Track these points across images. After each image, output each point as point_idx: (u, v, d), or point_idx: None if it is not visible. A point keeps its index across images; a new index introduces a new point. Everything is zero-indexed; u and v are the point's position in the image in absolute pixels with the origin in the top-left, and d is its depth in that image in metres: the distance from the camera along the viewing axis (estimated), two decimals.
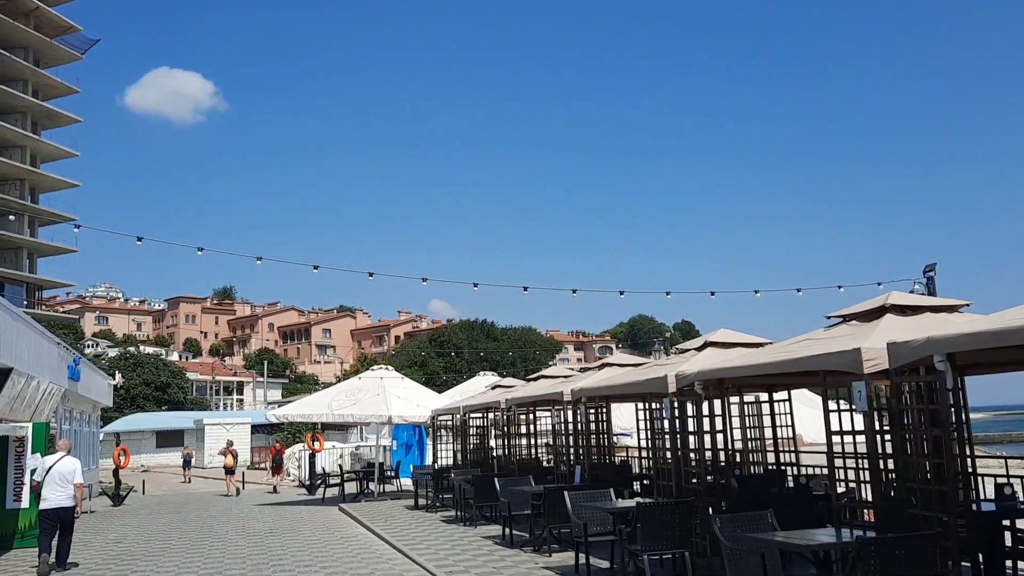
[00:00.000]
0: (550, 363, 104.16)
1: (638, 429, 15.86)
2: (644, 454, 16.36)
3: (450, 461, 21.89)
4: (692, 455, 9.27)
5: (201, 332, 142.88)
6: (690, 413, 9.40)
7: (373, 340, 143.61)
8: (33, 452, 14.95)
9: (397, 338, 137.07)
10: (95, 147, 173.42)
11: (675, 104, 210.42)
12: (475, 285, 21.38)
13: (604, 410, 12.78)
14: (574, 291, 22.35)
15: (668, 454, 9.85)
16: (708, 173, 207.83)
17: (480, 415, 18.75)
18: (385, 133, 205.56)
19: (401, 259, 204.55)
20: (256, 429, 56.18)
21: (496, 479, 12.99)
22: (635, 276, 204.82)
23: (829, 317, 8.77)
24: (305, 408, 21.41)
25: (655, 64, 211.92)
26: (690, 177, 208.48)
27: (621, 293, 24.06)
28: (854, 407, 6.97)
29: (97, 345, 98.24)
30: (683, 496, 9.40)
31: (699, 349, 10.64)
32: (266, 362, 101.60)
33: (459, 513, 15.69)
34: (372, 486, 22.38)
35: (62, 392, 20.51)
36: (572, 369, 17.20)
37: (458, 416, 18.58)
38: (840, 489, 11.34)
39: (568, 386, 12.23)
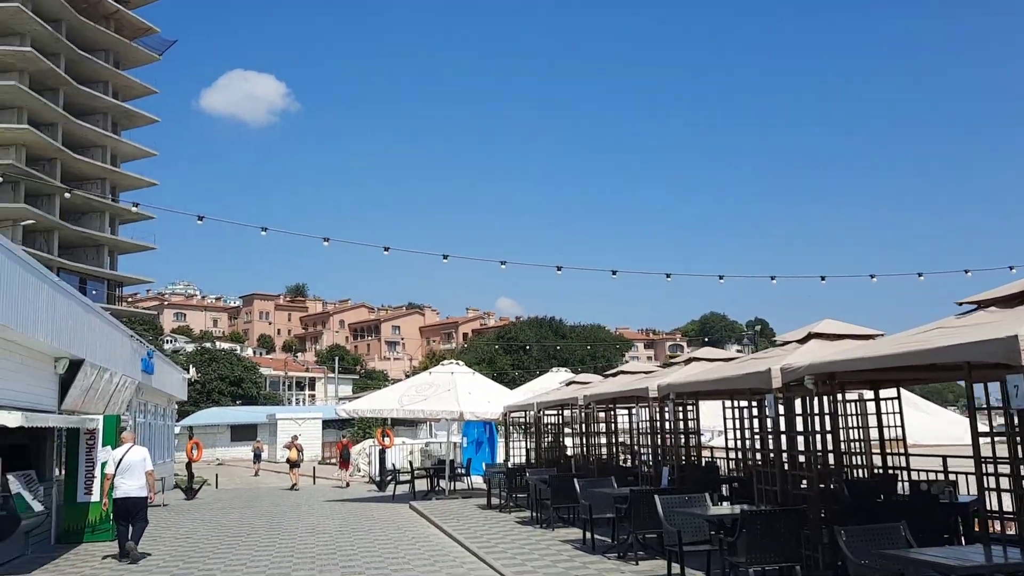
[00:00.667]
0: (620, 361, 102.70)
1: (725, 428, 14.94)
2: (731, 455, 15.40)
3: (522, 459, 21.20)
4: (800, 457, 8.33)
5: (275, 329, 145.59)
6: (797, 411, 8.45)
7: (441, 337, 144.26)
8: (104, 445, 14.75)
9: (465, 335, 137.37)
10: (172, 147, 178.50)
11: (762, 81, 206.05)
12: (558, 268, 20.26)
13: (692, 407, 11.86)
14: (668, 275, 21.11)
15: (770, 456, 8.91)
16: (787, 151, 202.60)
17: (555, 412, 17.99)
18: (453, 129, 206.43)
19: (470, 254, 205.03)
20: (327, 424, 56.54)
21: (576, 480, 12.21)
22: (710, 268, 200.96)
23: (961, 303, 7.72)
24: (375, 403, 20.99)
25: (752, 47, 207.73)
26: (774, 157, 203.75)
27: (720, 278, 21.85)
28: (1015, 405, 5.95)
29: (175, 341, 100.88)
30: (787, 502, 8.47)
31: (802, 341, 9.65)
32: (337, 358, 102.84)
33: (535, 514, 14.97)
34: (443, 484, 21.84)
35: (135, 385, 20.50)
36: (654, 366, 16.32)
37: (532, 413, 17.87)
38: (963, 496, 10.27)
39: (654, 381, 11.37)
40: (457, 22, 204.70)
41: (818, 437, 8.21)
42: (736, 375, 9.26)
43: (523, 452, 20.76)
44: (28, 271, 11.39)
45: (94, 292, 65.08)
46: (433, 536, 14.28)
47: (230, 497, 25.12)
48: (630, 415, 16.77)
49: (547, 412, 17.79)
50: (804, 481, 8.15)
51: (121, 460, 12.15)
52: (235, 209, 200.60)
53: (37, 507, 12.77)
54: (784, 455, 8.58)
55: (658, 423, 11.79)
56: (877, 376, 10.57)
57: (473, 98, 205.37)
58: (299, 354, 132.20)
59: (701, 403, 16.61)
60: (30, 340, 12.08)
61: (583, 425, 14.62)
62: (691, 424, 12.06)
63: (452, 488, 21.48)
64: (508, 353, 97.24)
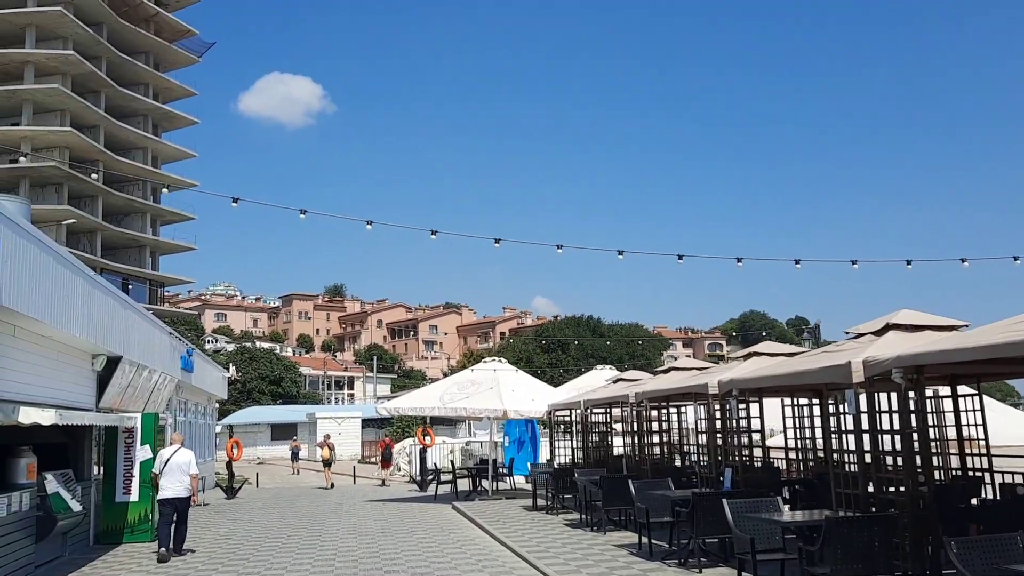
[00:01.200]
0: (658, 359, 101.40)
1: (784, 427, 14.18)
2: (789, 455, 14.63)
3: (567, 459, 20.58)
4: (888, 458, 7.61)
5: (314, 328, 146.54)
6: (882, 407, 7.74)
7: (479, 336, 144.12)
8: (143, 444, 14.44)
9: (502, 335, 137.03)
10: (211, 148, 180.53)
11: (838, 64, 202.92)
12: (620, 253, 19.32)
13: (755, 404, 11.13)
14: (739, 260, 20.09)
15: (849, 457, 8.19)
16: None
17: (603, 410, 17.33)
18: (490, 129, 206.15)
19: (508, 254, 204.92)
20: (366, 423, 56.43)
21: (631, 481, 11.56)
22: (751, 262, 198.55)
23: None
24: (416, 401, 20.50)
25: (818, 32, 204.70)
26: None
27: (797, 263, 20.69)
28: None
29: (216, 341, 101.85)
30: (871, 508, 7.76)
31: (878, 333, 8.92)
32: (375, 358, 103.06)
33: (584, 517, 14.33)
34: (485, 484, 21.31)
35: (175, 383, 20.25)
36: (706, 364, 15.60)
37: (579, 411, 17.24)
38: None
39: (714, 377, 10.68)
40: (492, 20, 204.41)
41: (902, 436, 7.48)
42: (810, 369, 8.55)
43: (568, 451, 20.14)
44: (62, 264, 11.04)
45: (136, 293, 65.76)
46: (479, 539, 13.71)
47: (270, 496, 24.84)
48: (678, 413, 16.08)
49: (595, 410, 17.13)
50: (892, 485, 7.43)
51: (168, 461, 12.51)
52: (273, 210, 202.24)
53: (76, 507, 12.45)
54: (866, 456, 7.86)
55: (717, 421, 11.08)
56: (960, 371, 9.79)
57: (510, 96, 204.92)
58: (338, 354, 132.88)
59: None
60: (65, 336, 11.74)
61: (635, 424, 13.96)
62: (753, 423, 11.32)
63: (495, 488, 20.93)
64: (546, 352, 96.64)
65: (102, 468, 14.38)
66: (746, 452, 10.99)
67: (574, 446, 19.83)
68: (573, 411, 18.94)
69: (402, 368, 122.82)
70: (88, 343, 12.81)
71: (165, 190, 32.48)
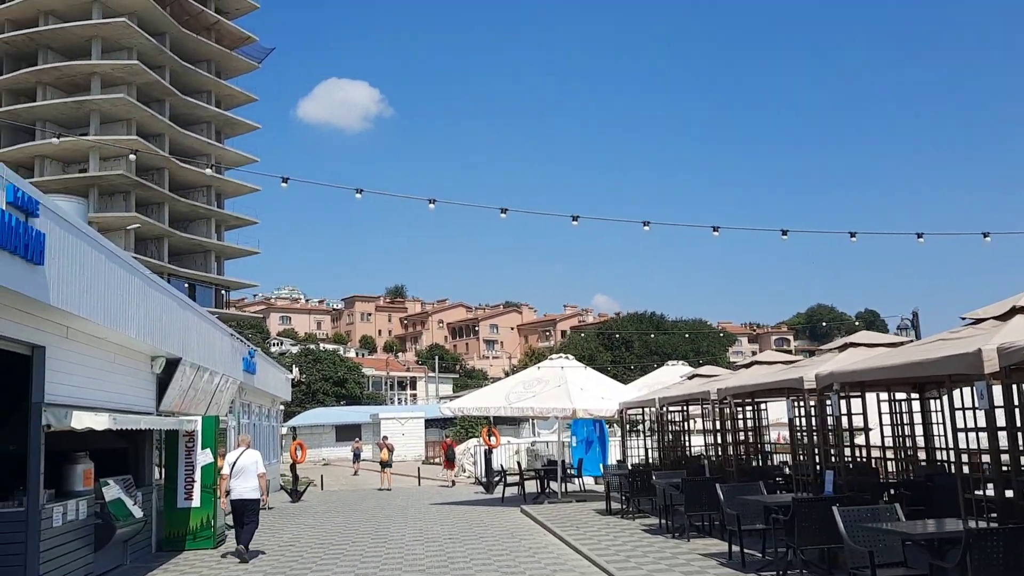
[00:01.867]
0: (724, 356, 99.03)
1: (881, 424, 13.07)
2: (887, 454, 13.50)
3: (638, 459, 19.67)
4: None
5: (375, 330, 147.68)
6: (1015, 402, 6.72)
7: (539, 335, 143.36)
8: (203, 447, 14.05)
9: (563, 332, 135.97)
10: (271, 152, 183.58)
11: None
12: (645, 224, 17.50)
13: (856, 400, 10.08)
14: (784, 232, 18.55)
15: (980, 457, 7.18)
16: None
17: (679, 408, 16.38)
18: (544, 130, 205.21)
19: (567, 254, 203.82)
20: (429, 424, 56.16)
21: (718, 485, 10.64)
22: (823, 255, 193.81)
23: None
24: (481, 401, 19.82)
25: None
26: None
27: (852, 236, 18.25)
28: None
29: (281, 343, 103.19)
30: (1009, 515, 6.74)
31: (1002, 318, 7.84)
32: (436, 358, 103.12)
33: (664, 522, 13.43)
34: (554, 486, 20.55)
35: (237, 385, 19.96)
36: (792, 357, 14.54)
37: (653, 409, 16.33)
38: None
39: (810, 370, 9.69)
40: (547, 23, 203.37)
41: None
42: (928, 359, 7.54)
43: (641, 452, 19.21)
44: (116, 263, 10.62)
45: (203, 298, 66.75)
46: (552, 546, 12.94)
47: (334, 499, 24.47)
48: (757, 411, 15.04)
49: (670, 408, 16.19)
50: None
51: (236, 462, 12.68)
52: (333, 213, 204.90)
53: (137, 513, 12.08)
54: (1004, 455, 6.84)
55: (814, 419, 10.08)
56: None
57: (564, 98, 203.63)
58: (399, 354, 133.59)
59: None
60: (121, 337, 11.35)
61: (717, 422, 13.02)
62: (854, 420, 10.28)
63: (564, 491, 20.14)
64: (608, 350, 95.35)
65: (163, 473, 14.01)
66: (851, 452, 9.96)
67: (647, 446, 18.90)
68: (646, 409, 18.03)
69: (463, 368, 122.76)
70: (145, 344, 12.43)
71: (218, 172, 32.35)
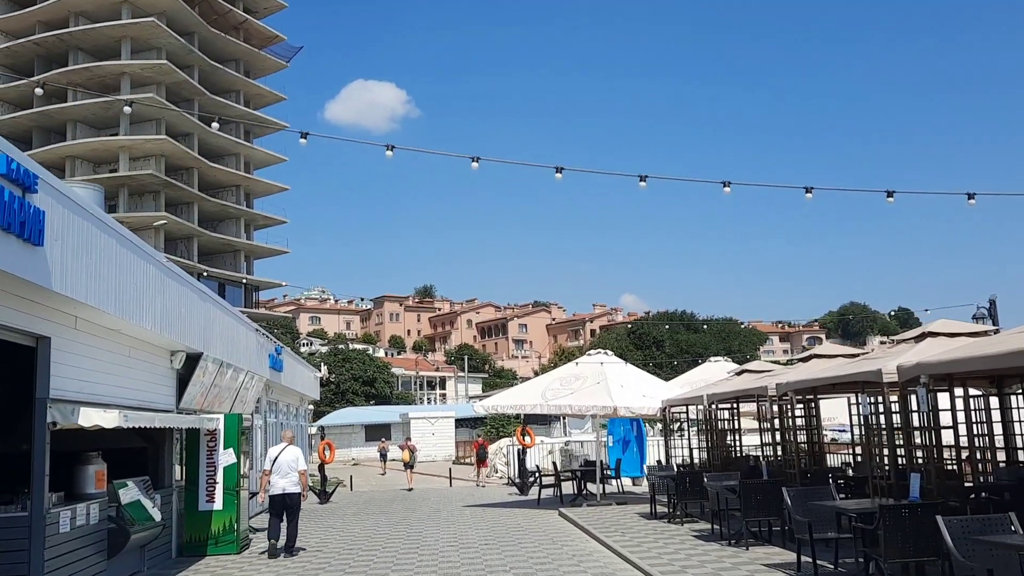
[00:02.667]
0: (755, 354, 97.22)
1: (955, 422, 11.99)
2: (960, 455, 12.40)
3: (682, 460, 18.68)
4: None
5: (405, 329, 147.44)
6: None
7: (569, 334, 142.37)
8: (226, 447, 13.32)
9: (593, 332, 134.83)
10: (299, 152, 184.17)
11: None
12: (642, 179, 15.69)
13: (942, 394, 9.08)
14: (808, 190, 16.67)
15: None
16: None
17: (729, 405, 15.38)
18: (573, 130, 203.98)
19: (597, 246, 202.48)
20: (460, 423, 55.44)
21: (785, 489, 9.67)
22: (849, 258, 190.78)
23: None
24: (516, 398, 18.93)
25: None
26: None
27: (890, 195, 16.27)
28: None
29: (311, 343, 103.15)
30: None
31: None
32: (466, 357, 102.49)
33: (717, 528, 12.47)
34: (592, 487, 19.64)
35: (263, 383, 19.27)
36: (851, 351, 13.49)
37: (701, 407, 15.34)
38: None
39: (890, 362, 8.68)
40: (573, 22, 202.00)
41: None
42: None
43: (686, 452, 18.21)
44: (127, 248, 9.89)
45: (232, 297, 66.63)
46: (596, 553, 12.02)
47: (364, 501, 23.73)
48: (817, 409, 14.01)
49: (720, 406, 15.18)
50: None
51: (276, 458, 12.80)
52: (362, 213, 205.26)
53: (157, 516, 11.37)
54: None
55: (895, 415, 9.06)
56: None
57: (586, 97, 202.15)
58: (428, 354, 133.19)
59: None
60: (136, 330, 10.63)
61: (776, 420, 12.02)
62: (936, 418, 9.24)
63: (602, 493, 19.22)
64: (639, 349, 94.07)
65: (184, 474, 13.30)
66: (938, 454, 8.94)
67: (692, 446, 17.90)
68: (690, 407, 17.05)
69: (492, 368, 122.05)
70: (163, 338, 11.71)
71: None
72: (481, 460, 30.78)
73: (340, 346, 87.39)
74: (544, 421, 51.18)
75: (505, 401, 19.17)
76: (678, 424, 18.59)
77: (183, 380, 13.34)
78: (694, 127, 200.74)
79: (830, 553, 9.33)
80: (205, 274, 63.21)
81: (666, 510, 15.08)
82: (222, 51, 72.97)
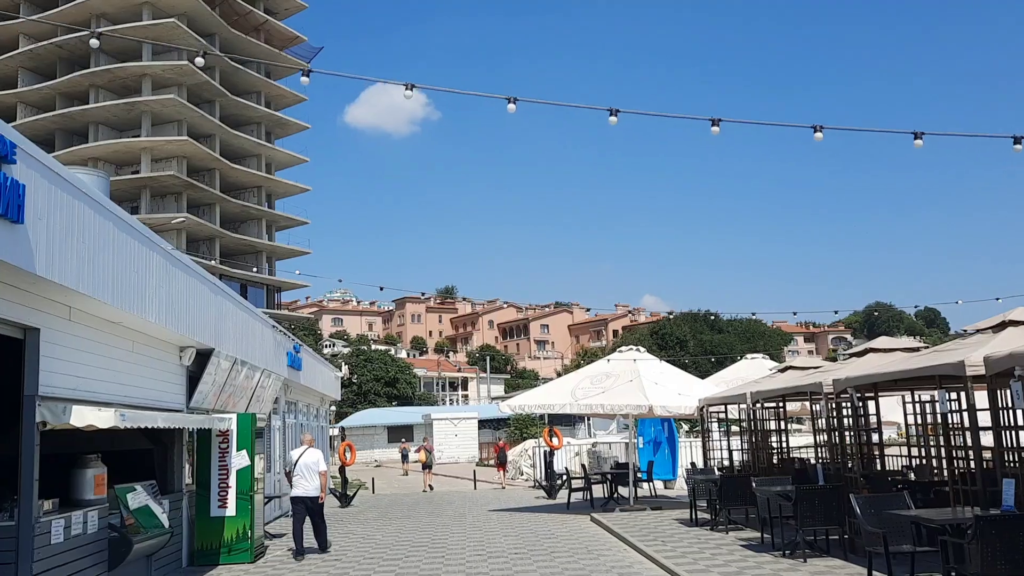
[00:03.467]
0: (780, 355, 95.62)
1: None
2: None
3: (721, 462, 17.68)
4: None
5: (426, 331, 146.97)
6: None
7: (591, 335, 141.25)
8: (239, 449, 12.54)
9: (615, 332, 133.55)
10: (320, 154, 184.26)
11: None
12: (612, 112, 15.21)
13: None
14: (817, 128, 16.43)
15: None
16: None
17: (774, 404, 14.38)
18: (595, 131, 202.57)
19: (617, 250, 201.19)
20: (483, 424, 54.59)
21: (854, 497, 8.70)
22: (874, 260, 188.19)
23: None
24: (544, 398, 18.01)
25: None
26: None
27: (918, 136, 16.89)
28: None
29: (333, 345, 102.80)
30: None
31: None
32: (488, 358, 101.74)
33: (767, 537, 11.50)
34: (625, 491, 18.72)
35: (281, 382, 18.51)
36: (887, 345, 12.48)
37: (744, 406, 14.36)
38: None
39: (974, 353, 7.69)
40: (592, 22, 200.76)
41: None
42: None
43: (725, 454, 17.21)
44: (126, 231, 9.12)
45: (255, 298, 66.22)
46: (638, 565, 11.09)
47: (386, 504, 22.93)
48: (877, 407, 12.98)
49: (766, 404, 14.19)
50: None
51: (297, 461, 12.87)
52: (385, 215, 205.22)
53: (165, 522, 10.59)
54: None
55: (976, 412, 8.07)
56: None
57: (611, 98, 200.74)
58: (450, 355, 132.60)
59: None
60: (138, 322, 9.86)
61: (832, 420, 11.03)
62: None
63: (634, 496, 18.28)
64: (662, 349, 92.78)
65: (194, 478, 12.54)
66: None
67: (731, 447, 16.90)
68: (730, 406, 16.07)
69: (515, 368, 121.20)
70: (170, 332, 10.94)
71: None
72: (502, 463, 29.95)
73: (362, 347, 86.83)
74: (568, 422, 50.22)
75: (532, 400, 18.27)
76: (716, 424, 17.58)
77: (193, 378, 12.59)
78: (718, 110, 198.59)
79: (904, 567, 8.36)
80: (222, 276, 62.92)
81: (708, 516, 14.12)
82: (244, 53, 72.64)
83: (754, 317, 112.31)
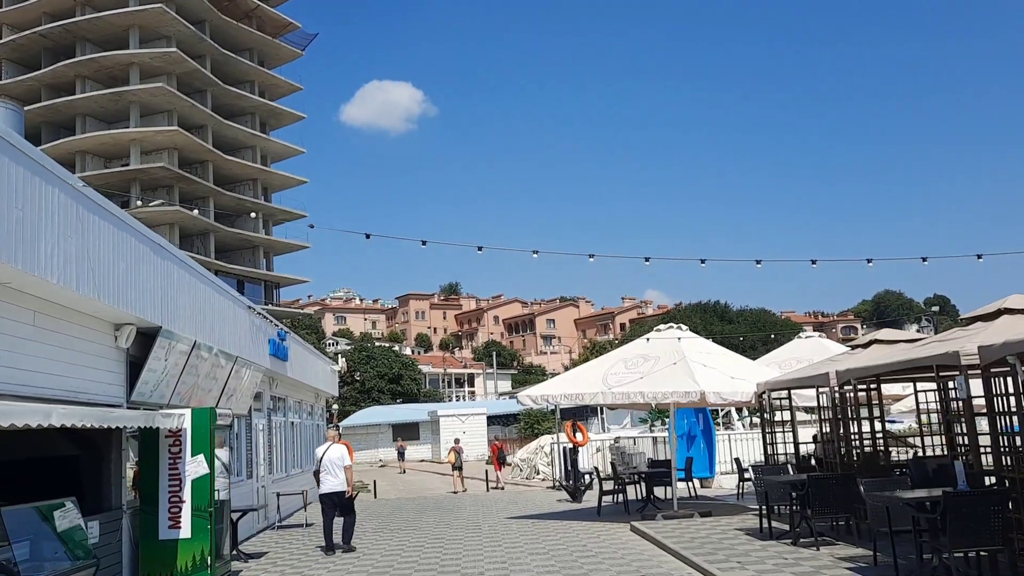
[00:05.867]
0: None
1: None
2: None
3: (785, 457, 14.95)
4: None
5: (431, 328, 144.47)
6: None
7: (597, 329, 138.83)
8: (195, 453, 9.87)
9: (622, 326, 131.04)
10: (315, 153, 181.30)
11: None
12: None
13: None
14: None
15: None
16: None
17: (865, 386, 11.60)
18: (595, 123, 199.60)
19: (620, 246, 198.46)
20: (492, 420, 51.91)
21: None
22: (884, 246, 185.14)
23: None
24: (570, 385, 15.28)
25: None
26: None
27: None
28: None
29: (336, 343, 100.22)
30: None
31: None
32: (494, 353, 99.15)
33: (888, 559, 8.78)
34: (660, 492, 16.11)
35: (262, 373, 15.84)
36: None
37: (823, 390, 11.67)
38: None
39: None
40: (592, 18, 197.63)
41: None
42: None
43: (788, 447, 14.47)
44: (25, 166, 6.44)
45: (252, 294, 63.57)
46: None
47: (389, 511, 20.26)
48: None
49: (859, 386, 11.41)
50: None
51: (322, 457, 12.93)
52: (384, 213, 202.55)
53: (79, 553, 7.94)
54: None
55: None
56: None
57: (609, 92, 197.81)
58: (456, 351, 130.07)
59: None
60: (46, 288, 7.24)
61: (958, 407, 8.31)
62: None
63: (689, 496, 15.66)
64: None
65: (137, 491, 9.88)
66: None
67: (797, 440, 14.16)
68: (796, 391, 13.37)
69: (521, 364, 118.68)
70: (96, 304, 8.29)
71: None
72: (500, 462, 27.39)
73: (365, 344, 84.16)
74: (579, 415, 47.49)
75: (555, 389, 15.53)
76: (778, 412, 14.79)
77: (137, 365, 9.94)
78: (716, 116, 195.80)
79: None
80: (217, 271, 60.33)
81: (783, 526, 11.42)
82: (235, 40, 70.03)
83: (763, 308, 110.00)
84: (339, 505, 12.97)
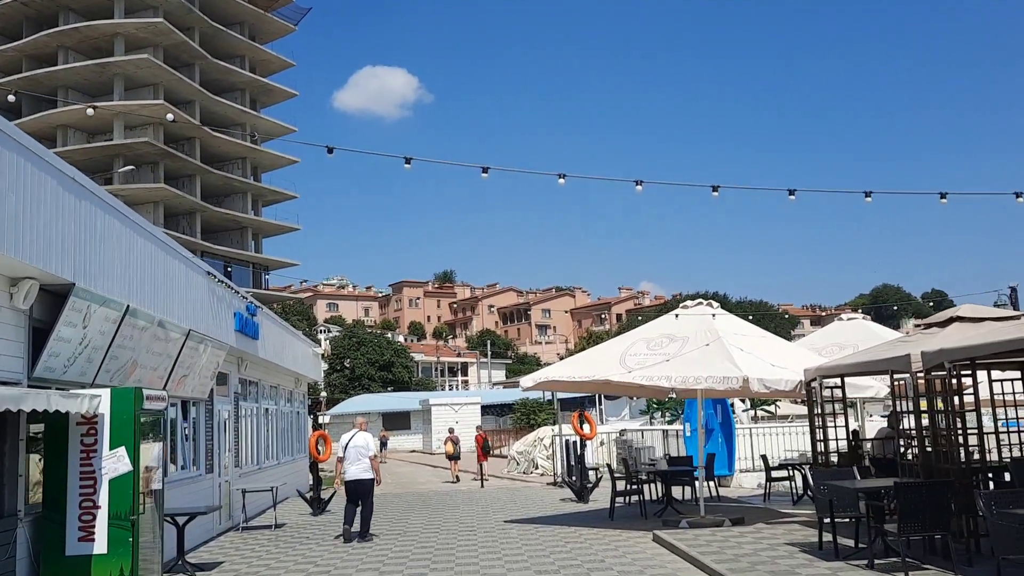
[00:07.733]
0: (789, 339, 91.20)
1: None
2: None
3: (829, 456, 12.86)
4: None
5: (424, 315, 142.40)
6: None
7: (593, 319, 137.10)
8: (114, 446, 7.74)
9: (618, 316, 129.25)
10: (309, 131, 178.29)
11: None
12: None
13: None
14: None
15: None
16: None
17: (958, 372, 9.47)
18: (588, 114, 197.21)
19: (615, 239, 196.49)
20: (486, 410, 49.85)
21: None
22: (882, 242, 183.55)
23: None
24: (583, 368, 13.14)
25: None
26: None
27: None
28: None
29: (328, 330, 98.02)
30: None
31: None
32: (489, 343, 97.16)
33: None
34: (679, 494, 14.05)
35: (225, 351, 13.67)
36: None
37: (898, 377, 9.58)
38: None
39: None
40: (589, 6, 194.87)
41: None
42: None
43: (841, 445, 12.36)
44: None
45: (240, 278, 61.23)
46: None
47: (375, 508, 18.08)
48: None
49: (956, 371, 9.26)
50: None
51: (348, 444, 12.97)
52: (378, 200, 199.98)
53: None
54: None
55: None
56: None
57: (603, 81, 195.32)
58: (449, 340, 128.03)
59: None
60: None
61: None
62: None
63: (713, 496, 13.61)
64: None
65: (42, 493, 7.76)
66: None
67: (852, 435, 12.08)
68: (851, 379, 11.28)
69: (516, 353, 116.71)
70: None
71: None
72: (485, 453, 25.35)
73: (355, 330, 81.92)
74: (574, 405, 45.47)
75: (566, 372, 13.39)
76: (819, 404, 12.68)
77: (42, 331, 7.80)
78: (718, 88, 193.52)
79: None
80: (203, 252, 58.11)
81: (848, 542, 9.33)
82: (225, 12, 67.53)
83: (762, 300, 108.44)
84: (361, 494, 12.83)
